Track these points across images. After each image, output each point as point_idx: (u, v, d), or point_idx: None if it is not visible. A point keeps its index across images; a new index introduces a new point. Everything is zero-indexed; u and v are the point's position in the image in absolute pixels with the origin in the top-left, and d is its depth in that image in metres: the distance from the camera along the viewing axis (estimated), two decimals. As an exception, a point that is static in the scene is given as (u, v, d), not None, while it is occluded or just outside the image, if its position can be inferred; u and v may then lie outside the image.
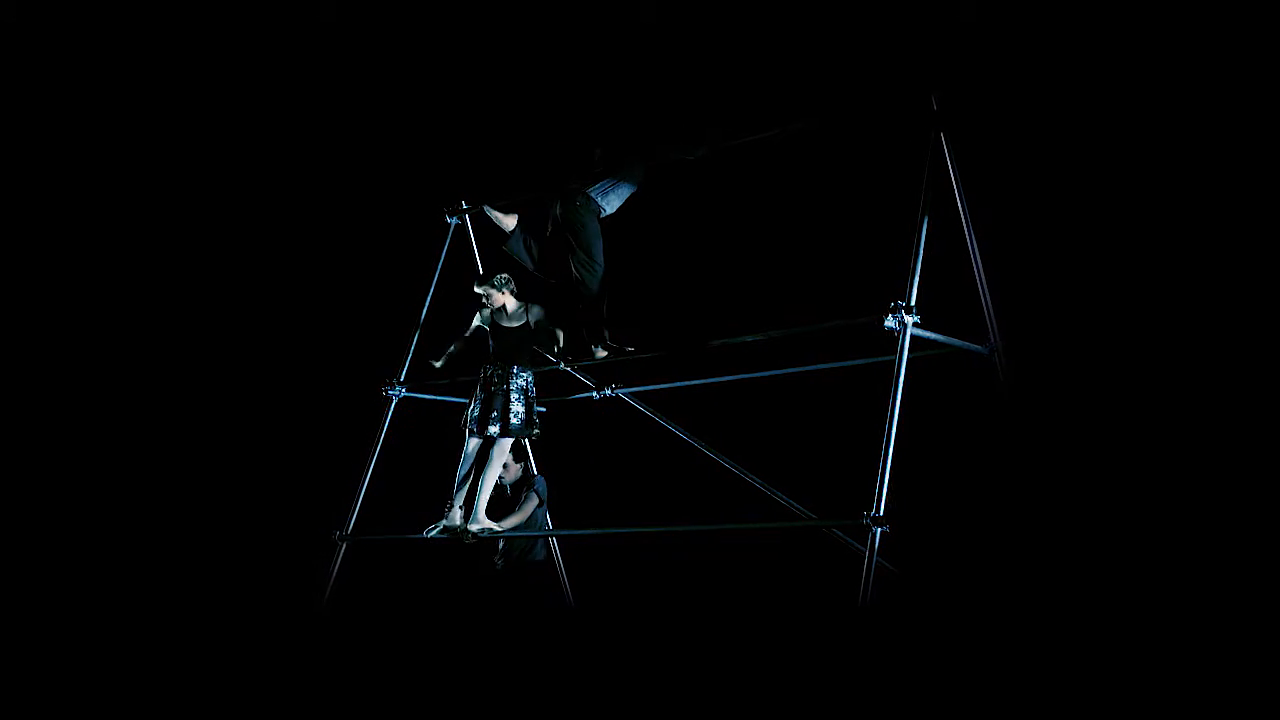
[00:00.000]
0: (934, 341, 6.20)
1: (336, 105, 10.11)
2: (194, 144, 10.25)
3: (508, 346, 7.22)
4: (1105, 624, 6.18)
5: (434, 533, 7.21)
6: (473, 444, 7.21)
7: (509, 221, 7.47)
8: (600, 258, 7.05)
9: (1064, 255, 7.05)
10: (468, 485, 7.20)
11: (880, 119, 6.85)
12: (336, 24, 9.72)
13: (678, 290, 8.31)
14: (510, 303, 7.30)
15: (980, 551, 6.77)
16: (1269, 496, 6.20)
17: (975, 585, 6.68)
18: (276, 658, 7.67)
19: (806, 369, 7.26)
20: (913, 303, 5.91)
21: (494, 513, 7.30)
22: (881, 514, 5.58)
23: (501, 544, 7.62)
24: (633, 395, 7.95)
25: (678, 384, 7.80)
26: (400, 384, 7.91)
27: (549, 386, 7.93)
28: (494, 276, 7.33)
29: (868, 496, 5.63)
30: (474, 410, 7.15)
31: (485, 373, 7.21)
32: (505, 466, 7.39)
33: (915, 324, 5.90)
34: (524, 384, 7.18)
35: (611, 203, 7.14)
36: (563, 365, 7.49)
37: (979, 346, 6.42)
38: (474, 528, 7.13)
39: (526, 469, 7.90)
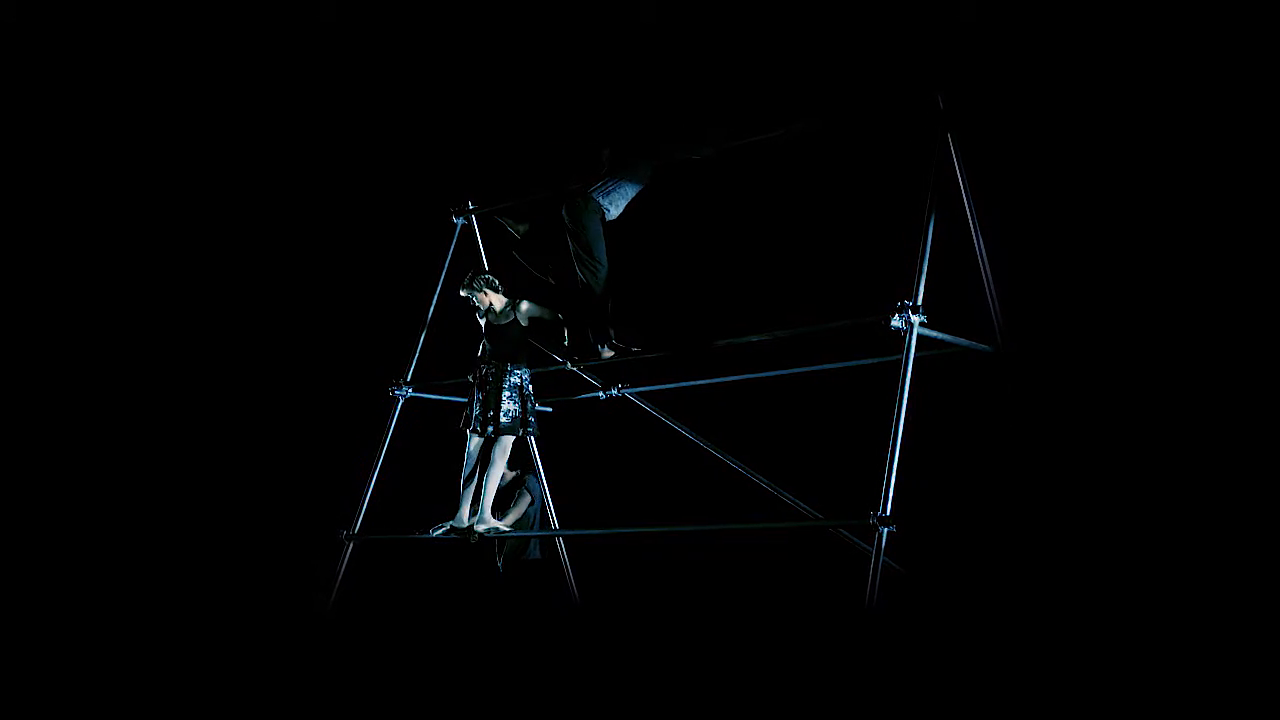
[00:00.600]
0: (940, 341, 6.18)
1: (342, 107, 10.13)
2: (202, 146, 10.30)
3: (502, 345, 7.22)
4: (1114, 624, 6.17)
5: (440, 532, 7.23)
6: (474, 443, 7.21)
7: (520, 227, 7.52)
8: (603, 258, 7.04)
9: (1071, 255, 7.02)
10: (473, 485, 7.21)
11: (886, 118, 6.84)
12: (344, 26, 9.74)
13: (684, 290, 8.31)
14: (497, 301, 7.29)
15: (988, 552, 6.74)
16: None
17: (983, 586, 6.65)
18: (283, 656, 7.70)
19: (813, 369, 7.24)
20: (919, 302, 5.89)
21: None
22: (888, 514, 5.58)
23: (498, 544, 7.65)
24: (639, 395, 7.94)
25: (684, 384, 7.79)
26: (407, 384, 7.92)
27: (556, 386, 7.94)
28: (474, 278, 7.32)
29: (875, 496, 5.62)
30: (471, 409, 7.17)
31: (480, 372, 7.23)
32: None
33: (922, 323, 5.89)
34: (517, 381, 7.17)
35: (616, 203, 7.13)
36: (569, 365, 7.49)
37: (985, 346, 6.41)
38: (480, 527, 7.15)
39: (520, 470, 7.89)
